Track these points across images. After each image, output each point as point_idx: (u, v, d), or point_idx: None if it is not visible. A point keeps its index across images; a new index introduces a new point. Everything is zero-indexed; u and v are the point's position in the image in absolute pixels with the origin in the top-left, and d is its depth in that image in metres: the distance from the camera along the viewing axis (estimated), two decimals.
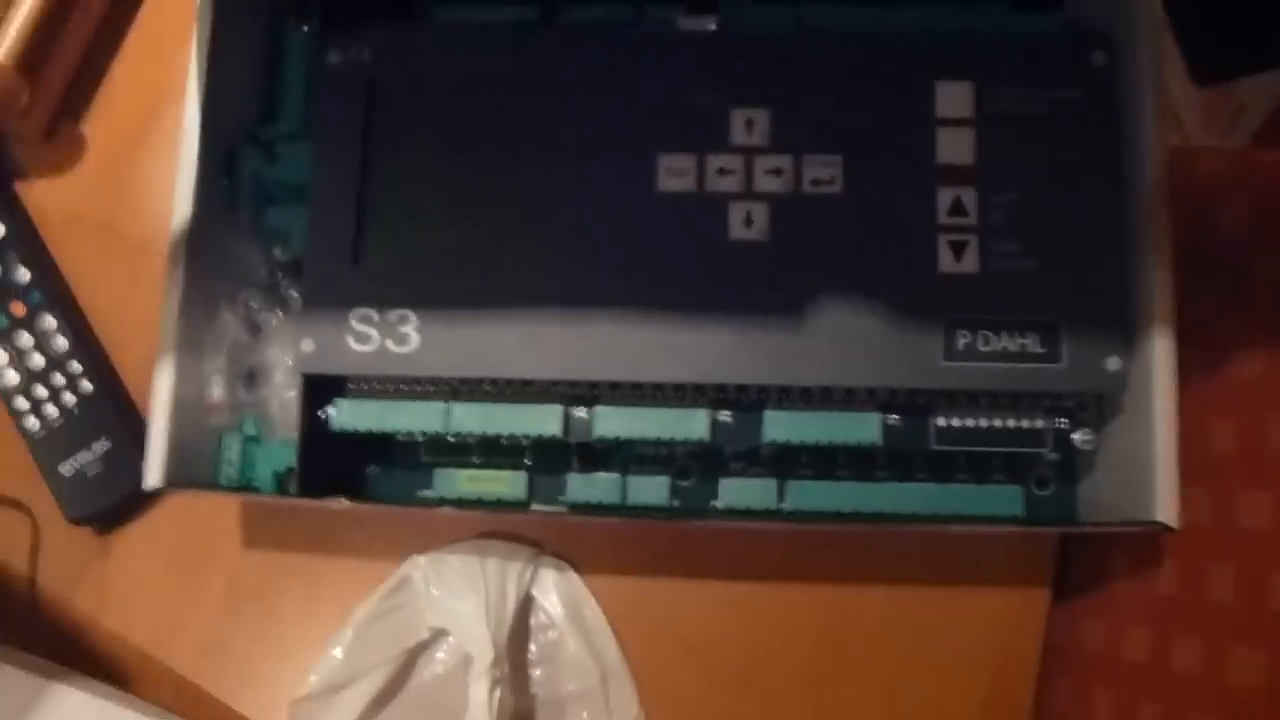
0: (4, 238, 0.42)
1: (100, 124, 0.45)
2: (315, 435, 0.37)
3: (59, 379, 0.41)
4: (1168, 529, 0.33)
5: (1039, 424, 0.36)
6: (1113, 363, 0.34)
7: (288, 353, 0.37)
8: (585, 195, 0.36)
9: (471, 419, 0.36)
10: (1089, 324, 0.34)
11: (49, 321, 0.41)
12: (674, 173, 0.36)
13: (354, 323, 0.35)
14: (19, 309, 0.41)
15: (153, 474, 0.35)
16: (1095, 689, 0.39)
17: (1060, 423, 0.37)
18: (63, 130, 0.44)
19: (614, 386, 0.36)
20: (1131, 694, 0.37)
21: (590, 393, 0.37)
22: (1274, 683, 0.32)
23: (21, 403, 0.41)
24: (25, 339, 0.41)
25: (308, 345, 0.35)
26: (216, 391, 0.36)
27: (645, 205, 0.36)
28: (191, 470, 0.36)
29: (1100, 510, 0.36)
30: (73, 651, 0.40)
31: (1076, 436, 0.36)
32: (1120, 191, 0.35)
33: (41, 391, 0.41)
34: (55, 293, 0.42)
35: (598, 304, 0.35)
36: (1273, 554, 0.33)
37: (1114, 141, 0.35)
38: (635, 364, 0.35)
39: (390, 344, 0.35)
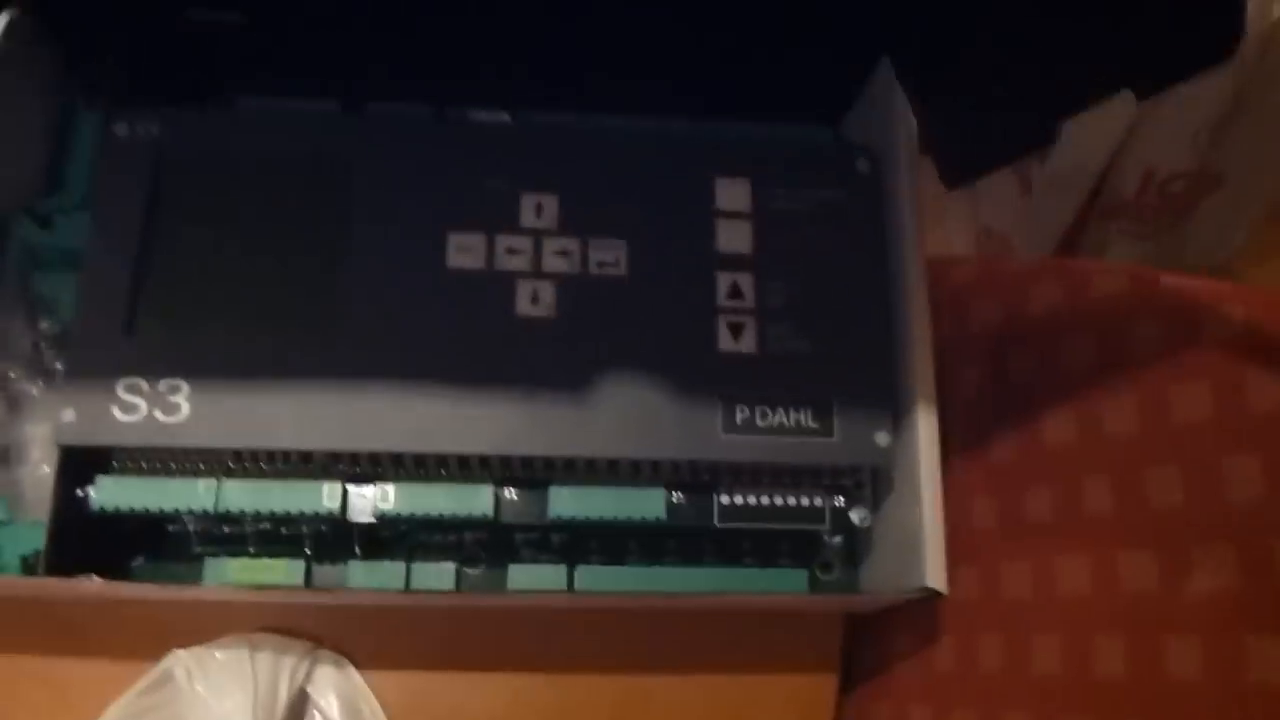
0: None
1: None
2: (71, 515, 0.35)
3: None
4: (936, 594, 0.35)
5: (818, 501, 0.38)
6: (881, 437, 0.36)
7: (47, 426, 0.35)
8: (375, 268, 0.36)
9: (244, 497, 0.35)
10: (858, 401, 0.37)
11: None
12: (464, 250, 0.37)
13: (121, 392, 0.34)
14: None
15: None
16: None
17: (838, 501, 0.38)
18: None
19: (397, 463, 0.36)
20: None
21: (372, 470, 0.36)
22: None
23: None
24: None
25: (69, 415, 0.34)
26: None
27: (435, 280, 0.36)
28: None
29: (879, 589, 0.38)
30: None
31: (853, 515, 0.38)
32: (884, 281, 0.38)
33: None
34: None
35: (381, 375, 0.35)
36: (1033, 620, 0.35)
37: (877, 237, 0.39)
38: (418, 435, 0.35)
39: (159, 413, 0.34)
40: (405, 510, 0.36)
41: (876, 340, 0.37)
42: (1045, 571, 0.35)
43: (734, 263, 0.38)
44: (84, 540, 0.35)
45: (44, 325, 0.36)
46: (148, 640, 0.38)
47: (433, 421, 0.35)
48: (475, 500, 0.36)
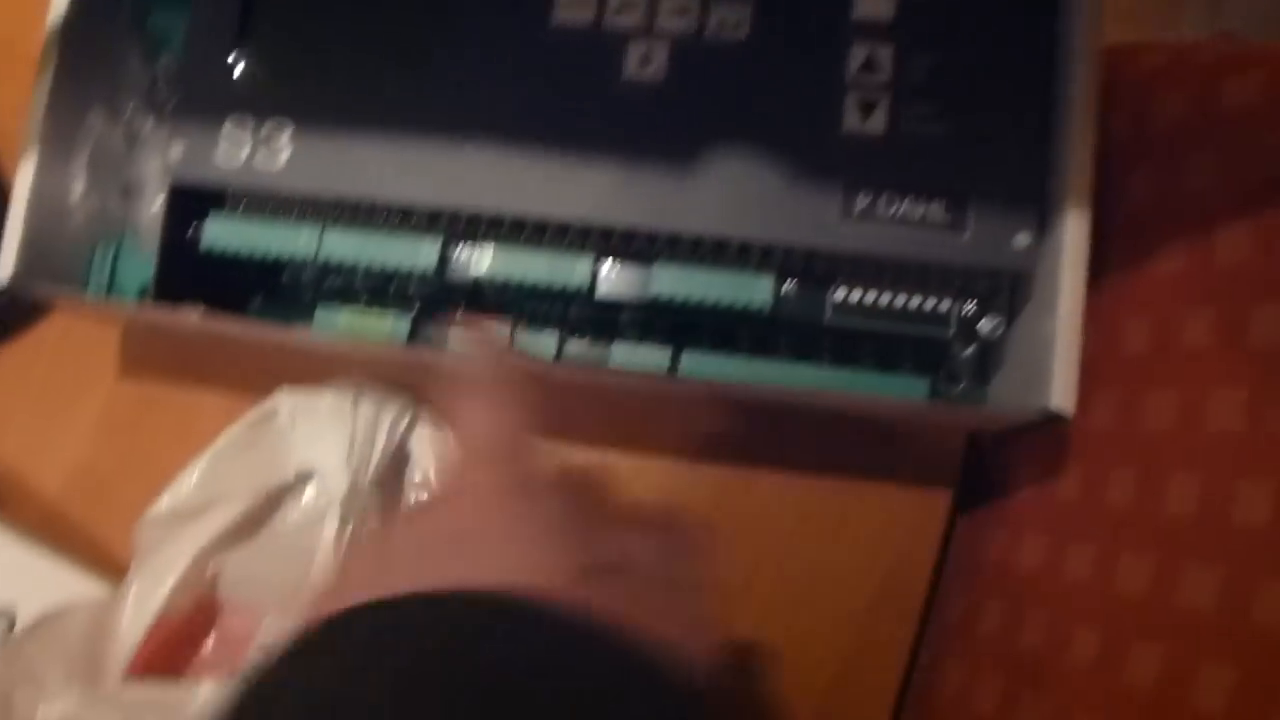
0: None
1: None
2: (180, 251, 0.36)
3: None
4: (1061, 419, 0.32)
5: (944, 306, 0.35)
6: (1021, 238, 0.33)
7: (161, 162, 0.36)
8: (481, 20, 0.35)
9: (344, 248, 0.36)
10: (999, 196, 0.33)
11: None
12: (571, 4, 0.35)
13: (228, 130, 0.35)
14: None
15: (3, 267, 0.35)
16: (988, 600, 0.38)
17: (968, 308, 0.35)
18: None
19: (495, 226, 0.36)
20: (1021, 602, 0.36)
21: (471, 233, 0.36)
22: (1158, 586, 0.31)
23: None
24: None
25: (178, 151, 0.35)
26: (77, 194, 0.36)
27: (540, 36, 0.35)
28: (58, 275, 0.36)
29: (1004, 408, 0.35)
30: None
31: (983, 324, 0.35)
32: (1048, 61, 0.34)
33: None
34: None
35: (483, 132, 0.34)
36: (1173, 456, 0.32)
37: (1051, 9, 0.34)
38: (517, 196, 0.34)
39: (263, 155, 0.35)
40: (501, 275, 0.35)
41: (1030, 128, 0.33)
42: (1195, 405, 0.32)
43: (872, 31, 0.34)
44: (195, 276, 0.37)
45: (164, 60, 0.37)
46: (262, 380, 0.40)
47: (532, 184, 0.34)
48: (573, 271, 0.35)
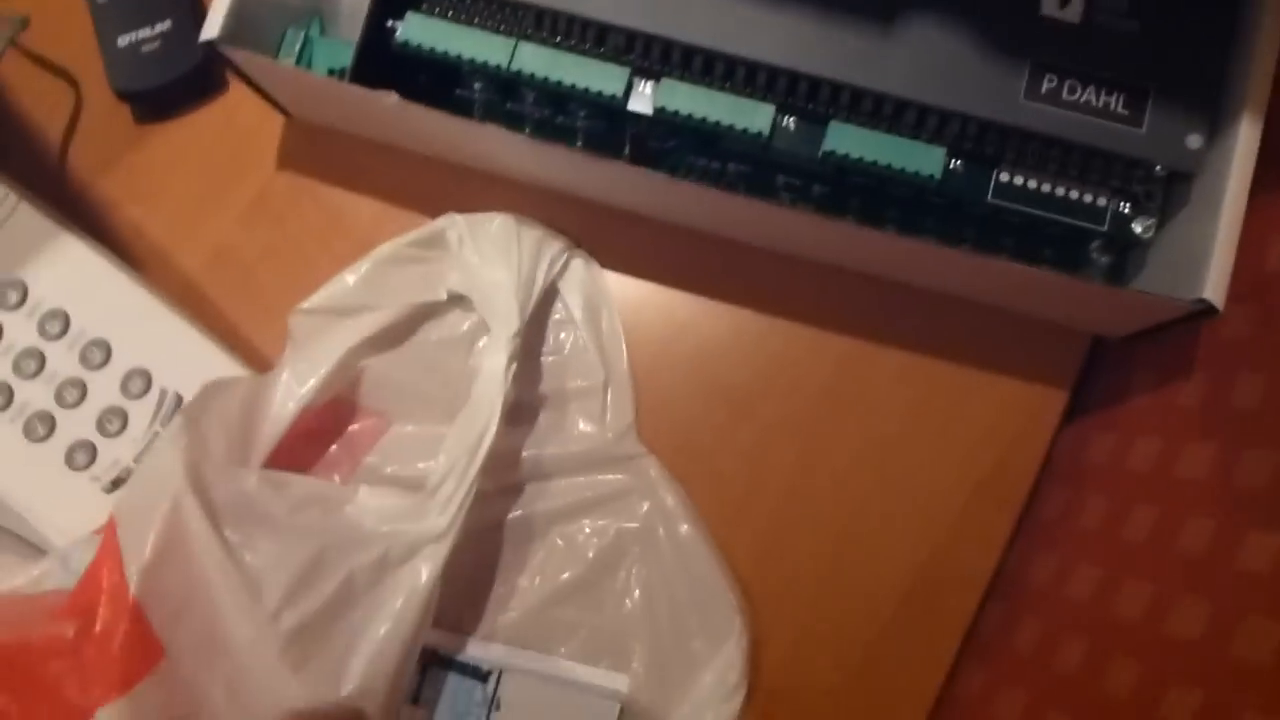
0: None
1: None
2: (377, 42, 0.38)
3: None
4: (1213, 311, 0.34)
5: (1101, 201, 0.37)
6: (1194, 140, 0.35)
7: None
8: None
9: (537, 61, 0.37)
10: (1178, 97, 0.35)
11: None
12: None
13: None
14: None
15: (211, 26, 0.36)
16: (1091, 496, 0.40)
17: (1124, 207, 0.37)
18: None
19: (686, 63, 0.37)
20: (1128, 498, 0.38)
21: (660, 69, 0.37)
22: (1278, 483, 0.33)
23: None
24: None
25: None
26: None
27: None
28: (258, 46, 0.37)
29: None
30: (89, 230, 0.41)
31: (1136, 224, 0.37)
32: None
33: None
34: None
35: None
36: None
37: None
38: (716, 31, 0.36)
39: None
40: (685, 109, 0.37)
41: (1216, 37, 0.35)
42: None
43: None
44: (383, 72, 0.38)
45: None
46: (420, 196, 0.42)
47: (731, 21, 0.36)
48: (754, 115, 0.37)
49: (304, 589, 0.34)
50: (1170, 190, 0.37)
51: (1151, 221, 0.37)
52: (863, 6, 0.36)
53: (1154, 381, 0.39)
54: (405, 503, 0.36)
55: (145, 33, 0.42)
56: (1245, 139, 0.34)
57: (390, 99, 0.36)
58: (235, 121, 0.43)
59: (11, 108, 0.43)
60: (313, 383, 0.37)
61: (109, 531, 0.33)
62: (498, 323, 0.38)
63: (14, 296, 0.38)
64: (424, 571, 0.35)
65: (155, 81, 0.42)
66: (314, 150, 0.43)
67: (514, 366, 0.38)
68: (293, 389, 0.37)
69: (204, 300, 0.42)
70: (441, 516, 0.35)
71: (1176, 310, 0.35)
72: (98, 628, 0.32)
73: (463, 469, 0.36)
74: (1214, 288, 0.34)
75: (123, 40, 0.42)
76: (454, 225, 0.40)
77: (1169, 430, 0.38)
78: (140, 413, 0.39)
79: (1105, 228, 0.37)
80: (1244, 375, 0.36)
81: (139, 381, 0.39)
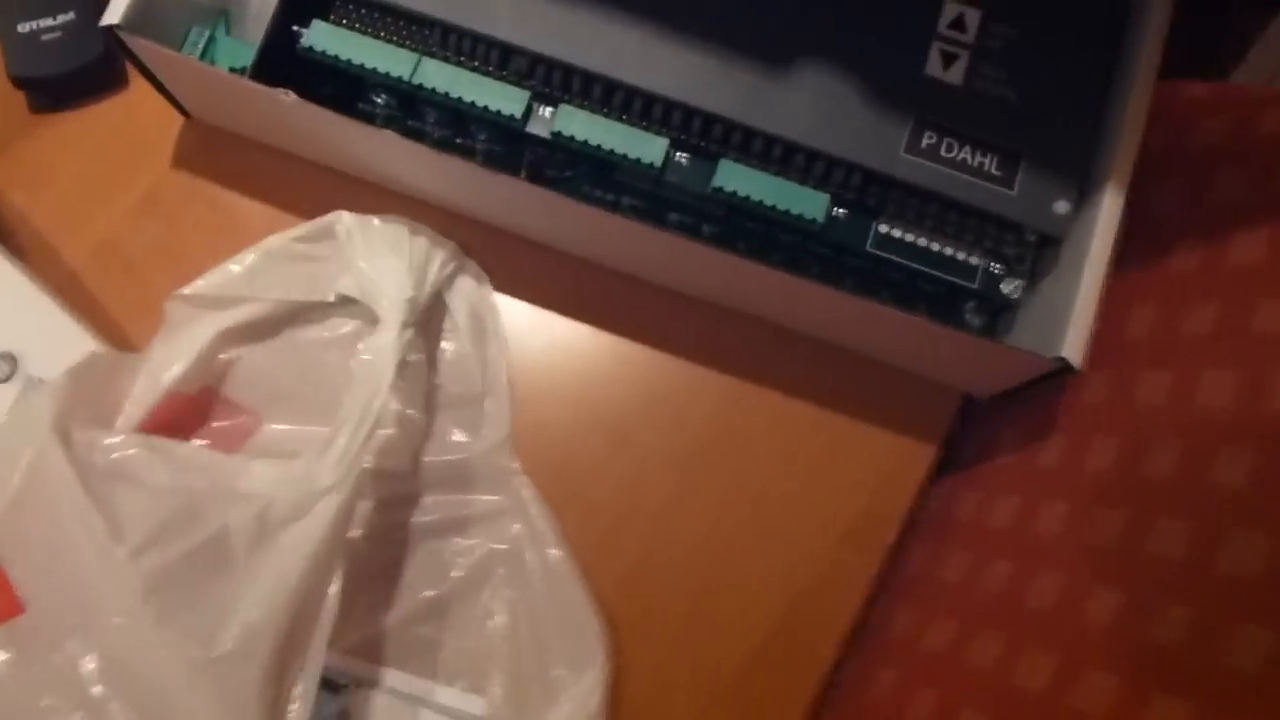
0: None
1: None
2: (281, 47, 0.38)
3: None
4: (1070, 370, 0.35)
5: (974, 259, 0.39)
6: (1061, 205, 0.37)
7: None
8: None
9: (439, 77, 0.38)
10: (1048, 163, 0.37)
11: None
12: None
13: None
14: None
15: (114, 11, 0.36)
16: (954, 550, 0.41)
17: (995, 267, 0.39)
18: None
19: (586, 91, 0.38)
20: (987, 553, 0.39)
21: (561, 95, 0.38)
22: (1127, 542, 0.34)
23: None
24: None
25: None
26: None
27: None
28: (159, 37, 0.38)
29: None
30: None
31: (1005, 284, 0.39)
32: (1114, 53, 0.38)
33: None
34: None
35: None
36: (1158, 427, 0.35)
37: (1124, 7, 0.38)
38: (615, 60, 0.37)
39: None
40: (581, 135, 0.38)
41: (1087, 110, 0.37)
42: (1188, 382, 0.35)
43: None
44: (285, 78, 0.38)
45: None
46: (312, 199, 0.42)
47: (633, 51, 0.37)
48: (648, 147, 0.38)
49: (168, 534, 0.32)
50: (1040, 254, 0.39)
51: (1020, 283, 0.39)
52: (761, 49, 0.37)
53: (1018, 441, 0.41)
54: (291, 464, 0.35)
55: (47, 21, 0.42)
56: (1109, 208, 0.36)
57: (289, 97, 0.36)
58: (133, 118, 0.43)
59: None
60: (178, 367, 0.37)
61: None
62: (387, 301, 0.38)
63: None
64: (316, 530, 0.33)
65: (53, 70, 0.42)
66: (210, 152, 0.43)
67: (408, 334, 0.38)
68: (159, 370, 0.37)
69: (84, 292, 0.41)
70: (333, 473, 0.34)
71: (1037, 367, 0.36)
72: None
73: (354, 425, 0.35)
74: (1072, 347, 0.35)
75: (23, 27, 0.42)
76: (341, 221, 0.40)
77: (1028, 489, 0.39)
78: (4, 396, 0.38)
79: (976, 285, 0.39)
80: (1098, 439, 0.38)
81: (4, 366, 0.38)
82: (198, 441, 0.39)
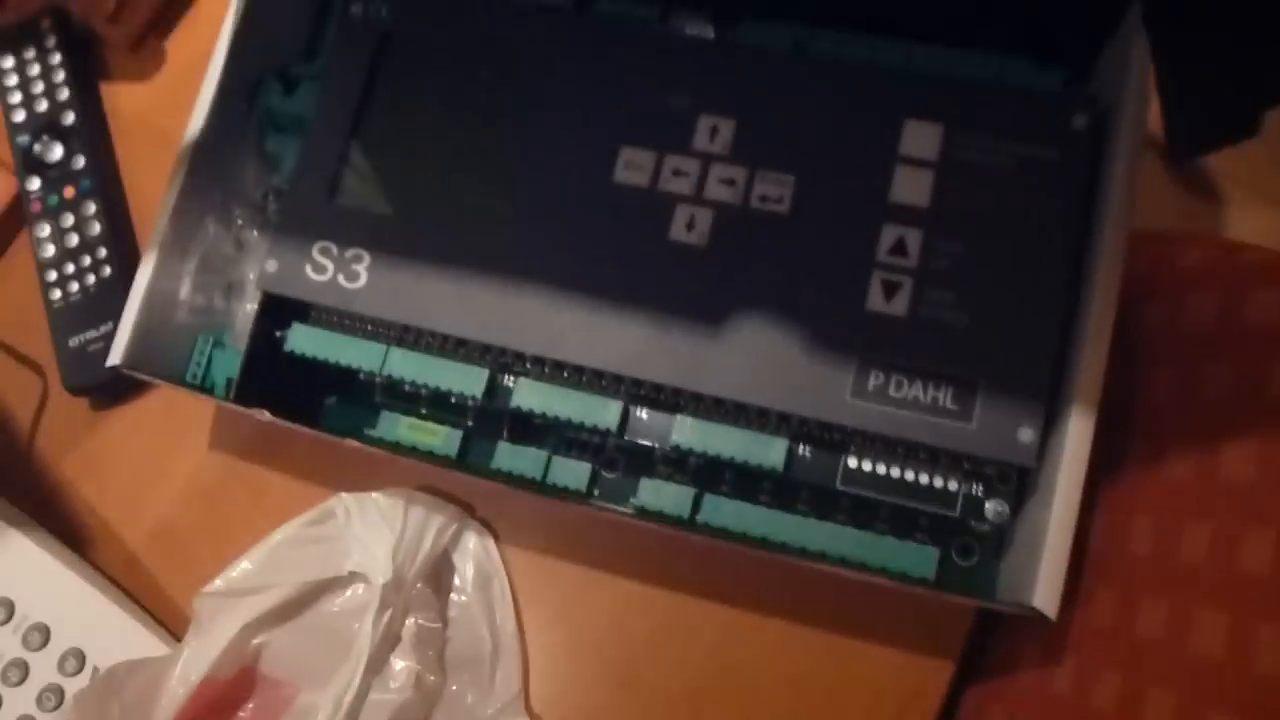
0: (73, 126, 0.49)
1: (183, 40, 0.51)
2: (265, 351, 0.41)
3: (87, 260, 0.47)
4: (1043, 617, 0.33)
5: (953, 486, 0.37)
6: (1025, 433, 0.35)
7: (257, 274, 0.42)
8: (547, 174, 0.39)
9: (406, 366, 0.40)
10: (1008, 390, 0.35)
11: (90, 207, 0.48)
12: (632, 166, 0.38)
13: (315, 253, 0.40)
14: (70, 191, 0.48)
15: (116, 353, 0.40)
16: None
17: (976, 489, 0.37)
18: (149, 43, 0.51)
19: (539, 363, 0.39)
20: None
21: (518, 365, 0.40)
22: None
23: (52, 274, 0.47)
24: (69, 219, 0.48)
25: (271, 265, 0.40)
26: (185, 291, 0.41)
27: (600, 193, 0.38)
28: (163, 360, 0.42)
29: (1013, 590, 0.37)
30: (49, 510, 0.46)
31: (989, 507, 0.37)
32: (1071, 262, 0.35)
33: (70, 268, 0.47)
34: (104, 183, 0.48)
35: (534, 279, 0.38)
36: (1154, 668, 0.33)
37: (1078, 209, 0.36)
38: (559, 343, 0.38)
39: (342, 279, 0.39)
40: (538, 407, 0.39)
41: (1046, 327, 0.35)
42: (1181, 620, 0.33)
43: (905, 215, 0.36)
44: (278, 374, 0.41)
45: (275, 180, 0.42)
46: (328, 474, 0.45)
47: (573, 332, 0.38)
48: (603, 413, 0.39)
49: None
50: (1022, 473, 0.37)
51: (1004, 507, 0.37)
52: (695, 312, 0.37)
53: (1036, 659, 0.39)
54: None
55: (91, 334, 0.47)
56: (1077, 434, 0.34)
57: (263, 416, 0.39)
58: (176, 405, 0.48)
59: None
60: (208, 658, 0.41)
61: None
62: (376, 585, 0.41)
63: None
64: None
65: (100, 379, 0.46)
66: (240, 432, 0.47)
67: (386, 618, 0.40)
68: (189, 666, 0.41)
69: (143, 574, 0.46)
70: None
71: (1011, 611, 0.34)
72: None
73: (334, 701, 0.39)
74: (1044, 596, 0.33)
75: (73, 341, 0.47)
76: (341, 502, 0.43)
77: (1045, 716, 0.37)
78: (73, 688, 0.43)
79: (957, 514, 0.37)
80: (1105, 673, 0.35)
81: (73, 662, 0.43)
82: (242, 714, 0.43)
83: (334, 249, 0.40)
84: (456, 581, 0.43)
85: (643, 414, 0.39)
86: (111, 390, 0.48)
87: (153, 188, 0.48)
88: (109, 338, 0.46)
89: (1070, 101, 0.36)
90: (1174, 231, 0.39)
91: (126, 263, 0.48)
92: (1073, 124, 0.36)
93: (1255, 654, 0.30)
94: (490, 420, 0.42)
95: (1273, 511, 0.31)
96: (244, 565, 0.42)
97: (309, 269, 0.40)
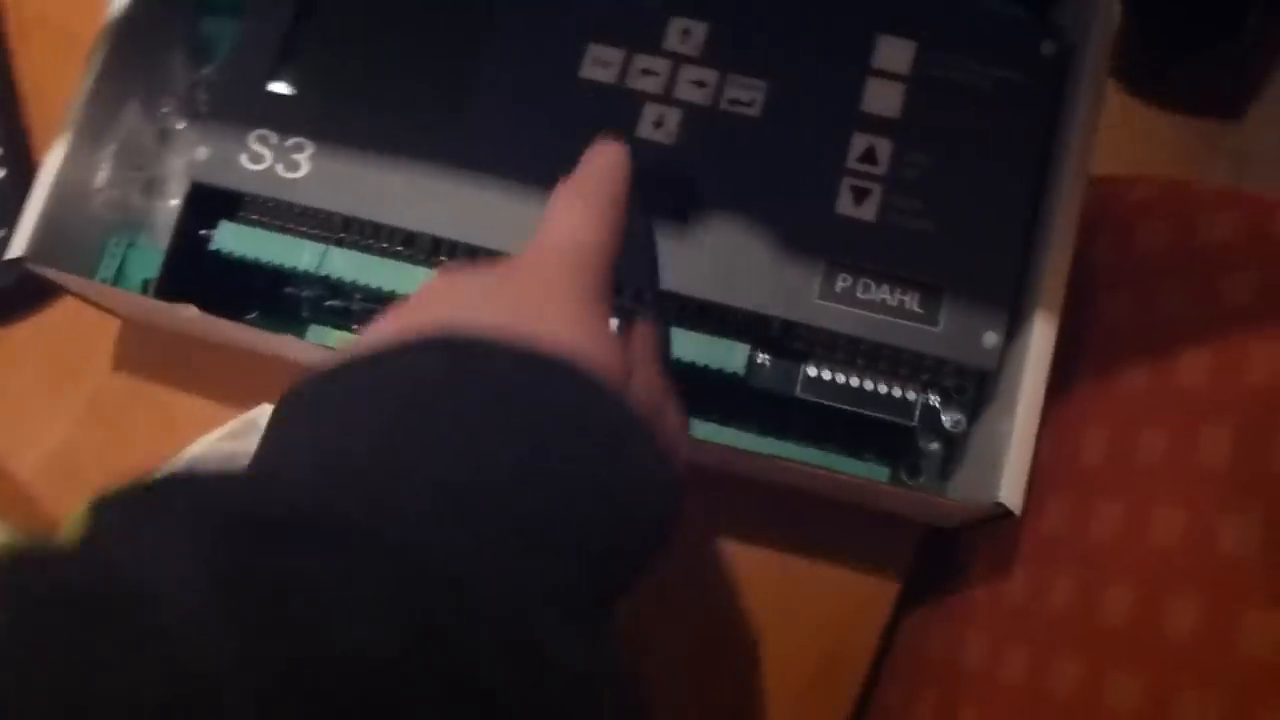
0: None
1: None
2: (190, 250, 0.38)
3: None
4: (1009, 514, 0.33)
5: (911, 395, 0.37)
6: (989, 338, 0.35)
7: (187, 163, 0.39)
8: (510, 65, 0.38)
9: (347, 267, 0.38)
10: (973, 295, 0.35)
11: None
12: (599, 62, 0.37)
13: (252, 141, 0.37)
14: None
15: (18, 244, 0.36)
16: (925, 691, 0.39)
17: (933, 400, 0.37)
18: None
19: (492, 257, 0.37)
20: (956, 698, 0.37)
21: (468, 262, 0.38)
22: (1086, 692, 0.32)
23: None
24: None
25: (202, 153, 0.37)
26: (100, 180, 0.38)
27: (564, 87, 0.37)
28: (71, 257, 0.38)
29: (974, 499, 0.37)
30: None
31: (946, 417, 0.37)
32: (1035, 177, 0.36)
33: None
34: None
35: (491, 171, 0.36)
36: (1111, 568, 0.34)
37: (1042, 129, 0.36)
38: (514, 239, 0.36)
39: (281, 168, 0.37)
40: None
41: (1011, 236, 0.36)
42: (1139, 519, 0.33)
43: (875, 125, 0.36)
44: (200, 278, 0.38)
45: (205, 70, 0.40)
46: (247, 389, 0.42)
47: (530, 227, 0.36)
48: None
49: None
50: (979, 384, 0.37)
51: (961, 416, 0.37)
52: (663, 207, 0.36)
53: (984, 573, 0.39)
54: None
55: None
56: (1041, 337, 0.35)
57: (190, 312, 0.36)
58: (77, 322, 0.43)
59: None
60: None
61: None
62: None
63: None
64: None
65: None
66: (149, 351, 0.43)
67: None
68: None
69: (34, 504, 0.42)
70: None
71: (976, 512, 0.34)
72: None
73: None
74: (1009, 490, 0.33)
75: None
76: (264, 414, 0.40)
77: (993, 628, 0.37)
78: None
79: (915, 422, 0.37)
80: (1059, 577, 0.35)
81: None
82: None
83: (273, 137, 0.37)
84: None
85: None
86: (5, 303, 0.43)
87: (58, 92, 0.44)
88: (3, 243, 0.43)
89: (1040, 29, 0.37)
90: (1124, 175, 0.40)
91: (23, 165, 0.44)
92: (1041, 50, 0.37)
93: (1217, 540, 0.30)
94: None
95: (1231, 408, 0.32)
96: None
97: (244, 158, 0.37)
